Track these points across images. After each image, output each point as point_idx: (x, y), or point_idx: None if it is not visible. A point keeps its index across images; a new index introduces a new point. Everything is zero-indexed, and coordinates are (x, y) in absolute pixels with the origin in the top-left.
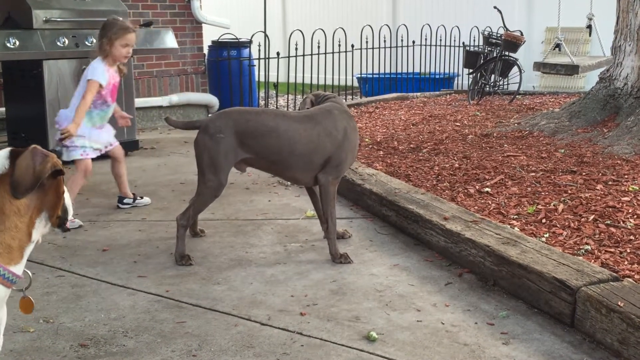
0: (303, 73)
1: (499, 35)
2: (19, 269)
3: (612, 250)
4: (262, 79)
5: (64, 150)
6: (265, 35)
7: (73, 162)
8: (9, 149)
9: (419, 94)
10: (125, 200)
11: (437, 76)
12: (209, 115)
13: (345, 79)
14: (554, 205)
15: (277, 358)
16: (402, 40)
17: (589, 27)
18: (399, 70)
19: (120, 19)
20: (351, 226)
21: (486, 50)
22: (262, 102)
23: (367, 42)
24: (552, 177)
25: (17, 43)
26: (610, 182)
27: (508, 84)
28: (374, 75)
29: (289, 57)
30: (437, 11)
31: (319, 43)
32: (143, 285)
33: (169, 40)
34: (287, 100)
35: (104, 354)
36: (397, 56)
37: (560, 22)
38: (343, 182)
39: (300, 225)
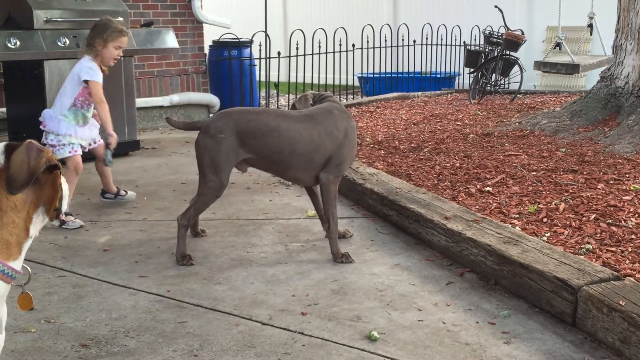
0: (304, 73)
1: (499, 34)
2: (17, 264)
3: (613, 249)
4: (263, 78)
5: (52, 150)
6: (266, 35)
7: (64, 162)
8: (3, 143)
9: (420, 93)
10: (106, 195)
11: (438, 75)
12: (210, 115)
13: (346, 78)
14: (555, 204)
15: (278, 358)
16: (403, 40)
17: (590, 26)
18: (400, 70)
19: (114, 19)
20: (352, 226)
21: (487, 50)
22: (263, 102)
23: (368, 41)
24: (553, 176)
25: (18, 43)
26: (611, 181)
27: (509, 83)
28: (375, 75)
29: (289, 56)
30: (438, 10)
31: (319, 43)
32: (144, 285)
33: (170, 40)
34: (288, 100)
35: (105, 354)
36: (398, 56)
37: (561, 21)
38: (344, 182)
39: (302, 225)
